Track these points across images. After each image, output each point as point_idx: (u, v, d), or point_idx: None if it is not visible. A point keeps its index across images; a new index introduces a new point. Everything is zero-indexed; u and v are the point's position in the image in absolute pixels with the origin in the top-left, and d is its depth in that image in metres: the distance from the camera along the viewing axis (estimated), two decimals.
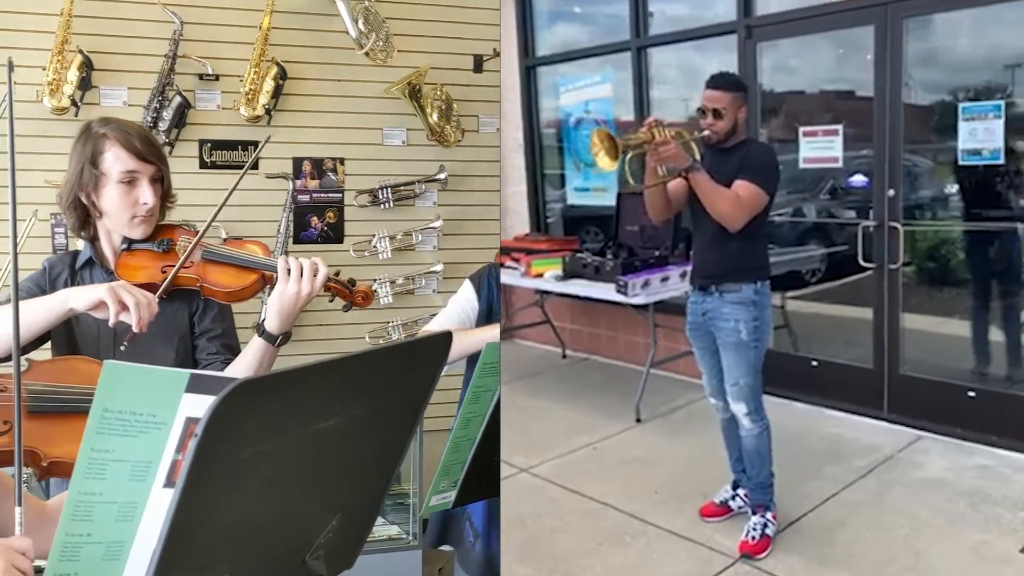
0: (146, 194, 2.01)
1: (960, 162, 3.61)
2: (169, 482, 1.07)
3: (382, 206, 3.79)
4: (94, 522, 1.06)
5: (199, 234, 2.04)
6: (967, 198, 3.76)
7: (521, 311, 5.47)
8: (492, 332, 1.70)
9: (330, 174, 3.72)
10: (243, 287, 2.00)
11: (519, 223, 5.78)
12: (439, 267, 3.95)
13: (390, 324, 3.72)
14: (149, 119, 3.42)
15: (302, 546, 1.15)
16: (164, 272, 1.99)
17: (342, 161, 3.74)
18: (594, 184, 5.36)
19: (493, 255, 3.86)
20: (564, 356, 5.39)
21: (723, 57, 4.48)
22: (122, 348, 1.84)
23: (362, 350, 1.11)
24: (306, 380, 1.00)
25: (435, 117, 3.82)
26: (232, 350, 2.13)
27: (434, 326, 2.28)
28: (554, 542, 3.02)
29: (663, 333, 4.50)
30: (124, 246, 2.05)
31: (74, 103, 3.32)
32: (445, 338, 1.23)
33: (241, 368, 1.99)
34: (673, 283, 4.29)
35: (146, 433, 1.04)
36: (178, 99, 3.45)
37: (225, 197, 2.06)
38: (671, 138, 2.73)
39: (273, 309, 1.96)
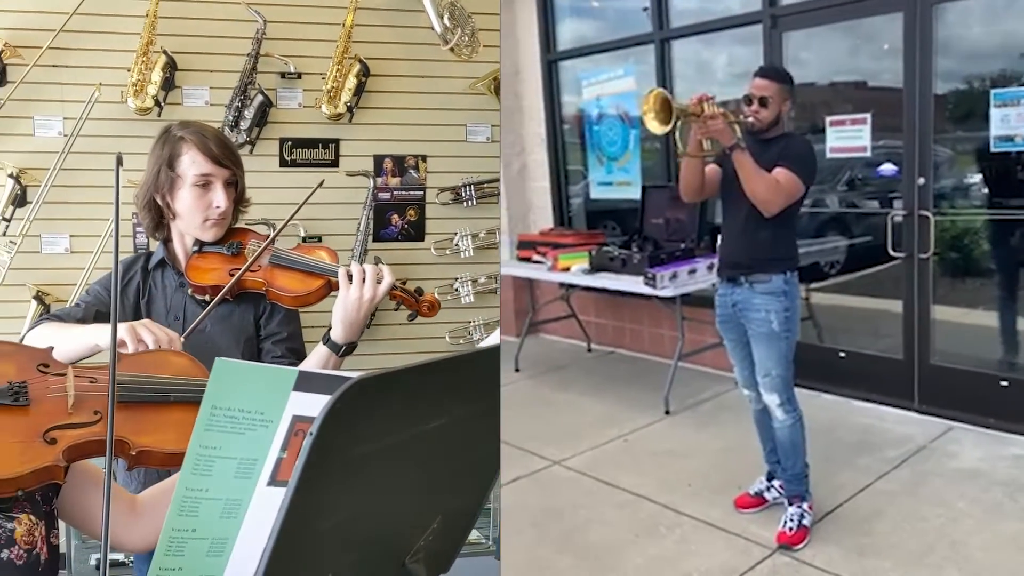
0: (219, 197, 2.02)
1: (992, 149, 3.59)
2: (274, 480, 1.07)
3: (464, 204, 3.73)
4: (199, 518, 1.07)
5: (268, 240, 2.05)
6: (999, 186, 3.73)
7: (546, 306, 5.48)
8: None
9: (412, 171, 3.66)
10: (308, 292, 2.00)
11: (542, 218, 5.79)
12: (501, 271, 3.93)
13: (471, 324, 3.67)
14: (231, 118, 3.39)
15: (403, 549, 1.14)
16: (232, 275, 2.00)
17: (424, 158, 3.69)
18: (618, 178, 5.36)
19: None
20: (589, 350, 5.39)
21: (746, 50, 4.47)
22: (182, 340, 1.85)
23: (470, 351, 1.11)
24: (418, 379, 0.99)
25: None
26: (297, 354, 2.11)
27: None
28: (592, 534, 3.03)
29: (689, 326, 4.50)
30: (195, 248, 2.07)
31: (157, 103, 3.31)
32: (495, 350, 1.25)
33: None
34: (700, 275, 4.29)
35: (253, 431, 1.04)
36: (260, 98, 3.43)
37: (299, 205, 2.09)
38: (719, 114, 2.75)
39: (337, 316, 1.95)
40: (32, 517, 1.30)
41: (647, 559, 2.84)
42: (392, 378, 0.95)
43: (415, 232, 3.68)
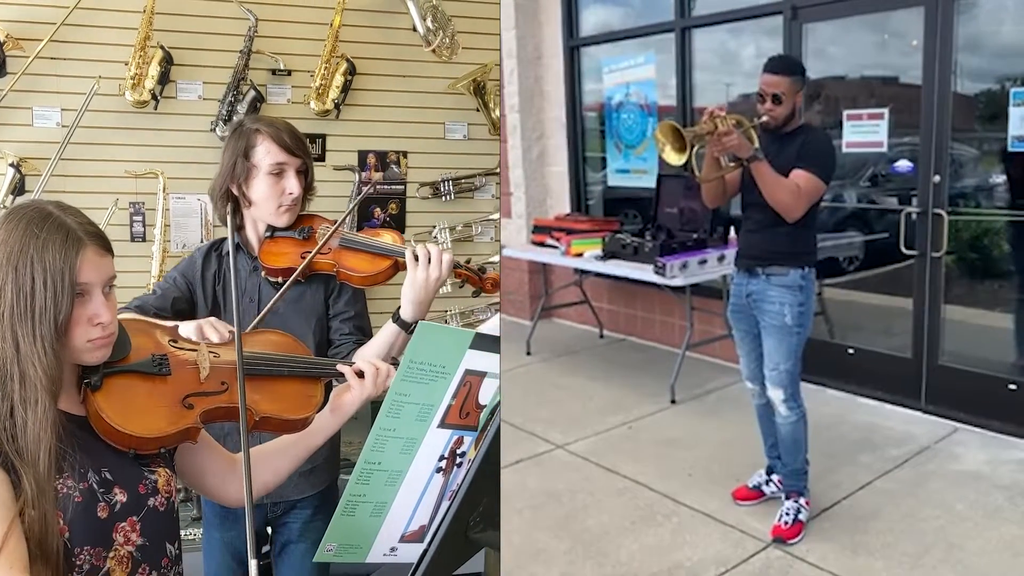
0: (292, 184, 2.12)
1: (1009, 149, 3.55)
2: (442, 423, 1.26)
3: (443, 198, 3.87)
4: (384, 453, 1.27)
5: (338, 223, 2.14)
6: (1016, 186, 3.69)
7: (560, 290, 5.50)
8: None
9: (393, 166, 3.80)
10: (377, 272, 2.08)
11: (559, 203, 5.80)
12: (496, 258, 4.01)
13: (448, 313, 3.79)
14: (224, 112, 3.52)
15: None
16: (303, 258, 2.10)
17: (405, 154, 3.83)
18: (635, 166, 5.35)
19: None
20: (601, 336, 5.41)
21: (769, 41, 4.44)
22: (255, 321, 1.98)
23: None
24: None
25: (497, 113, 3.90)
26: (364, 332, 2.20)
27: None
28: (589, 519, 3.06)
29: (699, 316, 4.50)
30: (267, 234, 2.16)
31: (154, 97, 3.42)
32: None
33: (372, 351, 2.06)
34: (711, 266, 4.28)
35: (435, 381, 1.23)
36: (252, 93, 3.53)
37: (360, 198, 2.43)
38: (732, 127, 2.71)
39: (407, 297, 2.03)
40: (167, 470, 1.48)
41: (641, 546, 2.87)
42: None
43: (396, 224, 3.82)
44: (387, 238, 2.14)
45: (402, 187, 3.83)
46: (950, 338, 3.86)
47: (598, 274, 4.90)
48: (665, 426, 3.92)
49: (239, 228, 2.19)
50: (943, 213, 3.77)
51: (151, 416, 1.42)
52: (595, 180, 5.74)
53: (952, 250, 3.82)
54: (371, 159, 3.76)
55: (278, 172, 2.10)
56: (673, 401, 4.17)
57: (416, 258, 2.01)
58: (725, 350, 4.63)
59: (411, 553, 1.33)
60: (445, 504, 1.19)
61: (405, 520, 1.36)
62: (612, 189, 5.60)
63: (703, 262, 4.26)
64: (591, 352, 5.16)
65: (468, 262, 2.18)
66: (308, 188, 2.18)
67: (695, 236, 4.44)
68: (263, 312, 2.00)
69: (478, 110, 3.88)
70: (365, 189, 3.59)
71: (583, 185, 5.75)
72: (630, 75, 5.23)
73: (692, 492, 3.23)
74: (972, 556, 2.76)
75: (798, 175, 2.75)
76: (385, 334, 2.06)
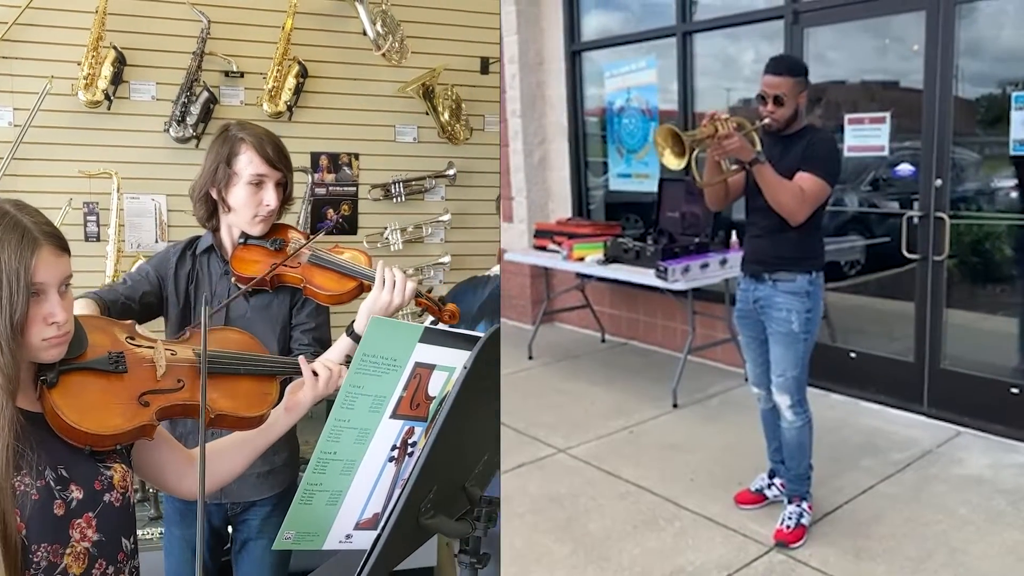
0: (270, 197, 2.15)
1: (1011, 153, 3.55)
2: (394, 413, 1.33)
3: (394, 200, 3.97)
4: (340, 443, 1.32)
5: (306, 241, 2.19)
6: (1018, 190, 3.69)
7: (561, 295, 5.50)
8: None
9: (345, 168, 3.90)
10: (343, 292, 2.12)
11: (561, 207, 5.80)
12: (446, 259, 4.11)
13: (399, 315, 3.84)
14: (178, 113, 3.59)
15: (466, 473, 1.37)
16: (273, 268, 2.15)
17: (357, 156, 3.93)
18: (636, 170, 5.36)
19: (496, 248, 4.00)
20: (603, 340, 5.41)
21: (770, 46, 4.44)
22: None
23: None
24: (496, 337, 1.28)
25: (446, 116, 3.98)
26: (323, 344, 2.24)
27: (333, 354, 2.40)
28: (591, 523, 3.06)
29: (700, 320, 4.50)
30: (241, 240, 2.20)
31: (107, 97, 3.47)
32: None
33: (331, 358, 2.08)
34: (712, 270, 4.28)
35: (387, 373, 1.29)
36: (205, 94, 3.60)
37: (339, 215, 2.24)
38: (734, 131, 2.67)
39: (364, 313, 2.07)
40: (123, 466, 1.50)
41: (643, 551, 2.86)
42: (497, 332, 1.25)
43: (349, 226, 3.92)
44: (349, 256, 2.19)
45: (354, 189, 3.92)
46: (952, 342, 3.86)
47: (600, 278, 4.90)
48: (667, 430, 3.92)
49: (215, 231, 2.23)
50: (945, 217, 3.77)
51: (107, 413, 1.44)
52: (597, 184, 5.74)
53: (954, 254, 3.82)
54: (323, 161, 3.85)
55: (258, 183, 2.14)
56: (675, 405, 4.17)
57: (383, 283, 2.06)
58: (727, 354, 4.63)
59: (366, 540, 1.39)
60: (397, 492, 1.25)
61: (360, 508, 1.41)
62: (614, 193, 5.60)
63: (705, 266, 4.26)
64: (593, 356, 5.16)
65: (430, 291, 2.24)
66: (286, 200, 2.22)
67: (697, 240, 4.45)
68: (217, 308, 2.05)
69: (427, 113, 3.96)
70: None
71: (585, 189, 5.76)
72: (631, 80, 5.24)
73: (694, 496, 3.23)
74: (975, 560, 2.75)
75: (802, 178, 2.72)
76: (340, 347, 2.10)
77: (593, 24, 5.54)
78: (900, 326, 4.05)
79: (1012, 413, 3.60)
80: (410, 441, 1.42)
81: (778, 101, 2.75)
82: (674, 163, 2.68)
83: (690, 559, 2.81)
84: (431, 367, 1.32)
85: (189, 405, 1.54)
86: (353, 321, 2.10)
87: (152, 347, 1.58)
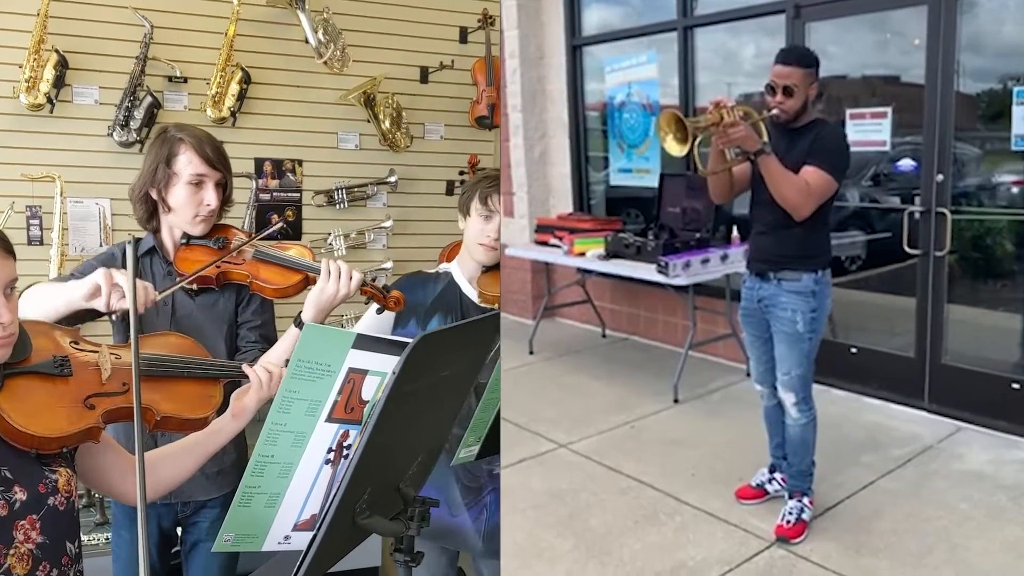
0: (210, 196, 2.19)
1: (1013, 147, 3.54)
2: (329, 417, 1.36)
3: (337, 206, 4.04)
4: (277, 446, 1.35)
5: (252, 237, 2.25)
6: (1020, 184, 3.68)
7: (562, 290, 5.50)
8: None
9: (289, 174, 3.97)
10: (288, 285, 2.17)
11: (562, 202, 5.80)
12: (389, 264, 4.19)
13: (344, 318, 3.90)
14: (121, 117, 3.62)
15: (401, 475, 1.41)
16: (217, 267, 2.17)
17: (300, 162, 3.99)
18: (637, 165, 5.35)
19: (437, 254, 4.07)
20: (604, 336, 5.41)
21: (772, 41, 4.43)
22: (157, 293, 2.02)
23: (464, 321, 1.38)
24: (446, 338, 1.33)
25: (387, 124, 4.06)
26: (269, 340, 2.31)
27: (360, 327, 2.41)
28: (592, 518, 3.06)
29: (702, 315, 4.50)
30: (183, 240, 2.23)
31: (49, 100, 3.48)
32: (496, 318, 1.52)
33: (276, 355, 2.13)
34: (713, 265, 4.28)
35: (321, 379, 1.33)
36: (148, 99, 3.63)
37: (282, 218, 2.20)
38: (740, 119, 2.61)
39: (311, 304, 2.13)
40: (68, 470, 1.52)
41: (645, 545, 2.87)
42: (441, 335, 1.30)
43: (293, 231, 3.99)
44: (294, 251, 2.24)
45: (298, 195, 4.00)
46: (953, 337, 3.86)
47: (601, 273, 4.90)
48: (668, 425, 3.92)
49: (155, 231, 2.25)
50: (946, 212, 3.76)
51: (52, 416, 1.47)
52: (597, 179, 5.74)
53: (955, 249, 3.81)
54: (267, 166, 3.92)
55: (197, 183, 2.17)
56: (676, 400, 4.17)
57: (328, 274, 2.11)
58: (728, 349, 4.63)
59: (304, 541, 1.43)
60: (332, 493, 1.29)
61: (298, 510, 1.44)
62: (614, 188, 5.60)
63: (706, 261, 4.25)
64: (594, 351, 5.16)
65: (374, 280, 2.29)
66: (226, 201, 2.26)
67: (698, 235, 4.44)
68: (161, 294, 2.04)
69: (369, 121, 4.03)
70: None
71: (585, 184, 5.75)
72: (632, 74, 5.23)
73: (695, 491, 3.23)
74: (975, 556, 2.75)
75: (808, 171, 2.65)
76: (288, 338, 2.14)
77: (594, 18, 5.53)
78: (901, 322, 4.05)
79: (1013, 409, 3.60)
80: (345, 444, 1.46)
81: (787, 92, 2.68)
82: (676, 149, 2.61)
83: (691, 554, 2.81)
84: (364, 372, 1.36)
85: (129, 409, 1.56)
86: (300, 312, 2.15)
87: (97, 351, 1.63)
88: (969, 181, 3.84)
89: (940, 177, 3.77)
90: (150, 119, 3.61)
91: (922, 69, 3.79)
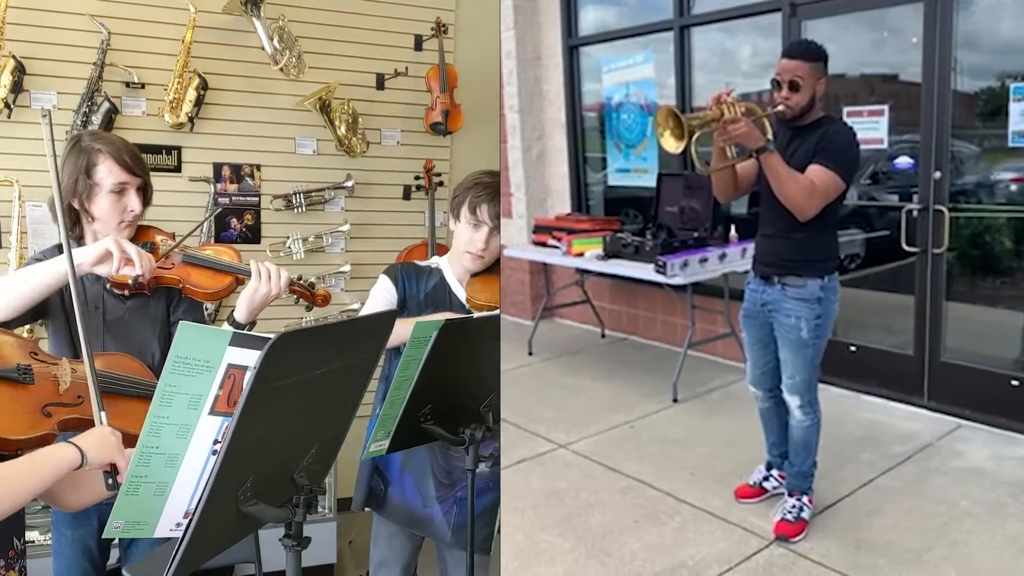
0: (133, 202, 2.24)
1: (1010, 144, 3.54)
2: (212, 410, 1.41)
3: (295, 210, 4.10)
4: (161, 438, 1.40)
5: (179, 240, 2.29)
6: (1017, 182, 3.68)
7: (561, 290, 5.50)
8: (408, 327, 1.93)
9: (247, 179, 4.03)
10: (220, 288, 2.25)
11: (560, 203, 5.80)
12: (347, 268, 4.23)
13: (303, 320, 3.96)
14: (79, 123, 3.64)
15: (294, 465, 1.49)
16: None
17: (258, 167, 4.05)
18: (635, 165, 5.35)
19: (394, 257, 4.18)
20: (603, 336, 5.41)
21: (768, 40, 4.43)
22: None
23: (346, 319, 1.39)
24: (314, 337, 1.40)
25: (343, 130, 4.09)
26: None
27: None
28: (592, 518, 3.06)
29: (700, 315, 4.50)
30: None
31: (7, 106, 3.51)
32: (390, 314, 1.64)
33: None
34: (712, 264, 4.28)
35: (201, 374, 1.37)
36: (106, 105, 3.65)
37: (204, 219, 2.49)
38: (742, 115, 2.51)
39: (243, 303, 2.22)
40: None
41: (644, 545, 2.86)
42: (302, 334, 1.37)
43: (252, 235, 4.06)
44: (230, 254, 2.30)
45: (256, 199, 4.05)
46: (952, 335, 3.86)
47: (599, 273, 4.90)
48: (667, 425, 3.92)
49: (79, 239, 2.27)
50: (944, 210, 3.76)
51: (13, 419, 1.58)
52: (595, 180, 5.74)
53: (953, 246, 3.81)
54: (226, 171, 3.98)
55: (120, 191, 2.21)
56: (675, 400, 4.17)
57: (259, 275, 2.20)
58: (727, 348, 4.63)
59: None
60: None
61: (187, 498, 1.50)
62: (612, 188, 5.60)
63: (704, 260, 4.25)
64: (593, 352, 5.16)
65: (300, 278, 2.36)
66: (147, 203, 2.30)
67: (696, 235, 4.44)
68: (112, 321, 2.13)
69: (325, 127, 4.07)
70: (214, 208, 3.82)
71: (583, 185, 5.75)
72: (629, 74, 5.23)
73: (695, 490, 3.23)
74: (976, 553, 2.75)
75: (813, 170, 2.57)
76: None
77: (590, 18, 5.53)
78: (900, 319, 4.05)
79: (1012, 405, 3.60)
80: None
81: (793, 86, 2.59)
82: (673, 146, 2.51)
83: (691, 553, 2.81)
84: (243, 368, 1.41)
85: (86, 419, 1.66)
86: (233, 310, 2.22)
87: (56, 364, 1.74)
88: (967, 178, 3.84)
89: (938, 175, 3.77)
90: (108, 124, 3.64)
91: (919, 67, 3.79)
